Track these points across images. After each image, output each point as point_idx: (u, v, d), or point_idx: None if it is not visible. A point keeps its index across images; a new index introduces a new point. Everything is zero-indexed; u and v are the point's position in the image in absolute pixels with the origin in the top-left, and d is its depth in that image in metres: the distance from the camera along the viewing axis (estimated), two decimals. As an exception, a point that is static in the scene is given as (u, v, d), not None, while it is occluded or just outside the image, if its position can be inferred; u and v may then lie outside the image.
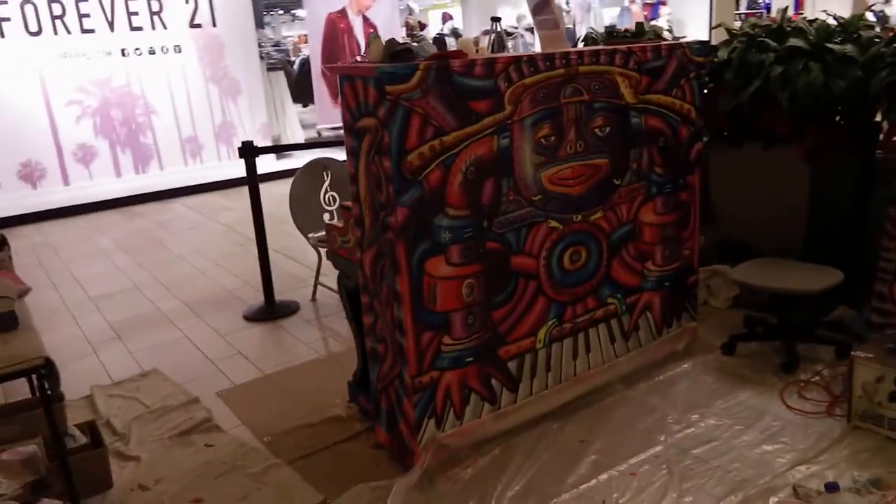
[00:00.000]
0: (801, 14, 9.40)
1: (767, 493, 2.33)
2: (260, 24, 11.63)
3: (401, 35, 10.41)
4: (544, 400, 2.84)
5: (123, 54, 8.25)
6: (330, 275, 3.74)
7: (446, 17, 13.03)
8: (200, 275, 5.26)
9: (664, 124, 2.96)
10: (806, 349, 3.15)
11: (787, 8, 3.96)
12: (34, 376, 2.16)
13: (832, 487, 2.12)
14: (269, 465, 2.76)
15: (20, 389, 3.23)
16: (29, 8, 7.76)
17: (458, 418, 2.60)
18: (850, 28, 3.54)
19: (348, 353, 3.45)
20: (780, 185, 3.65)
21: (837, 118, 3.53)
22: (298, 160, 7.27)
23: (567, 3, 12.46)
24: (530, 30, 11.28)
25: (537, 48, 2.94)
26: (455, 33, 11.53)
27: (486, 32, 6.88)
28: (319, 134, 10.49)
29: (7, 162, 7.68)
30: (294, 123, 10.45)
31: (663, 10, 11.47)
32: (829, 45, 3.40)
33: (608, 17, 12.28)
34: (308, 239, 4.18)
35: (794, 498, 2.27)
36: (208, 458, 2.85)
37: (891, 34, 3.40)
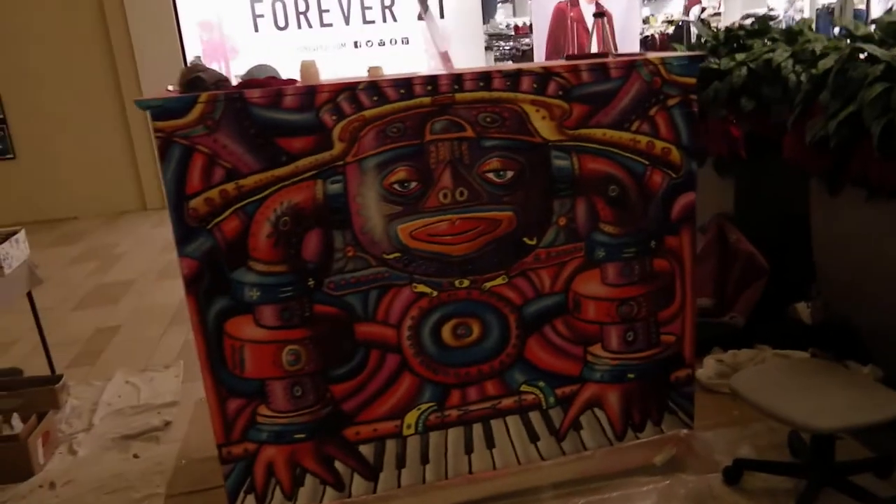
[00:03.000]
0: None
1: None
2: (491, 13, 11.45)
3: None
4: (421, 497, 2.33)
5: (356, 46, 8.75)
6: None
7: (693, 2, 11.53)
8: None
9: (617, 168, 2.18)
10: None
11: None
12: None
13: None
14: (149, 493, 2.70)
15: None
16: (279, 5, 8.62)
17: (289, 499, 2.25)
18: None
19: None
20: (886, 248, 2.51)
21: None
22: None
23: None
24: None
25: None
26: (703, 22, 10.11)
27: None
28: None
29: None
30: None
31: None
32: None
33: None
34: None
35: None
36: (120, 471, 2.89)
37: None
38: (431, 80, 2.01)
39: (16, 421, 2.97)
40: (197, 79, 1.98)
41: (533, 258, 2.20)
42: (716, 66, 3.22)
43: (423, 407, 2.26)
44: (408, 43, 8.67)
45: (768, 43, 3.22)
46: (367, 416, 2.23)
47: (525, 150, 2.11)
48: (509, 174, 2.12)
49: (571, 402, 2.36)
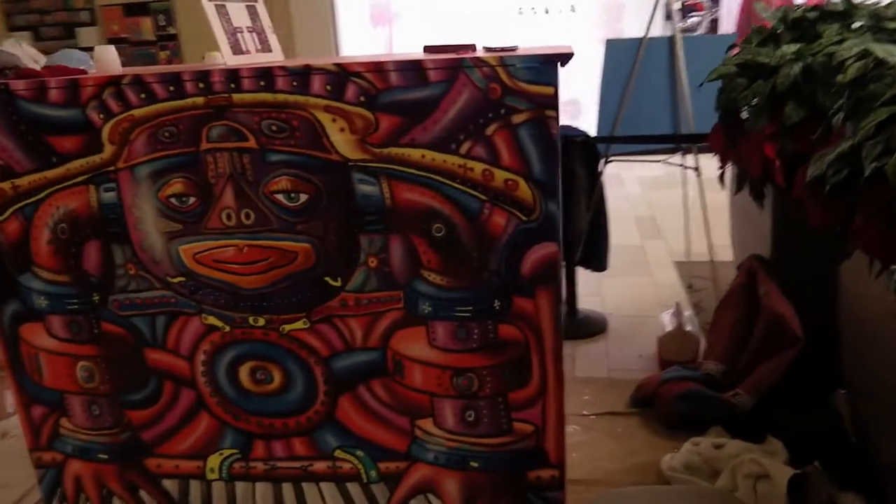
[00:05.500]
0: None
1: None
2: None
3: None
4: (232, 547, 2.06)
5: (520, 13, 8.29)
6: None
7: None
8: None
9: (442, 202, 1.65)
10: None
11: None
12: None
13: None
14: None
15: None
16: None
17: (99, 517, 2.12)
18: None
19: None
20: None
21: None
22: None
23: None
24: None
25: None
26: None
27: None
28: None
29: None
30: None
31: None
32: None
33: None
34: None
35: None
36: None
37: None
38: (203, 77, 1.65)
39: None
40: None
41: (339, 303, 1.77)
42: (765, 61, 2.39)
43: (226, 453, 1.97)
44: (574, 11, 7.96)
45: (845, 32, 2.30)
46: (168, 451, 2.00)
47: (320, 170, 1.68)
48: (302, 197, 1.70)
49: (398, 481, 1.91)
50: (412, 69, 1.57)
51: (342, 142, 1.64)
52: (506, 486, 1.86)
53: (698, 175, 3.45)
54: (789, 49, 2.29)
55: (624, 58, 3.25)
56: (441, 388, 1.79)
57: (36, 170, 1.80)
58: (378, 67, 1.58)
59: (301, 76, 1.62)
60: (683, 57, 3.27)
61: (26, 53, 1.90)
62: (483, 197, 1.63)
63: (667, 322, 3.16)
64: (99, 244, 1.83)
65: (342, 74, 1.60)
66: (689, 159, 3.53)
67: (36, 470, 2.12)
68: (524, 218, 1.63)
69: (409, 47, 8.28)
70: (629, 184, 6.37)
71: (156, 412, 1.96)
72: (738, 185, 2.61)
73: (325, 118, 1.63)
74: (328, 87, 1.61)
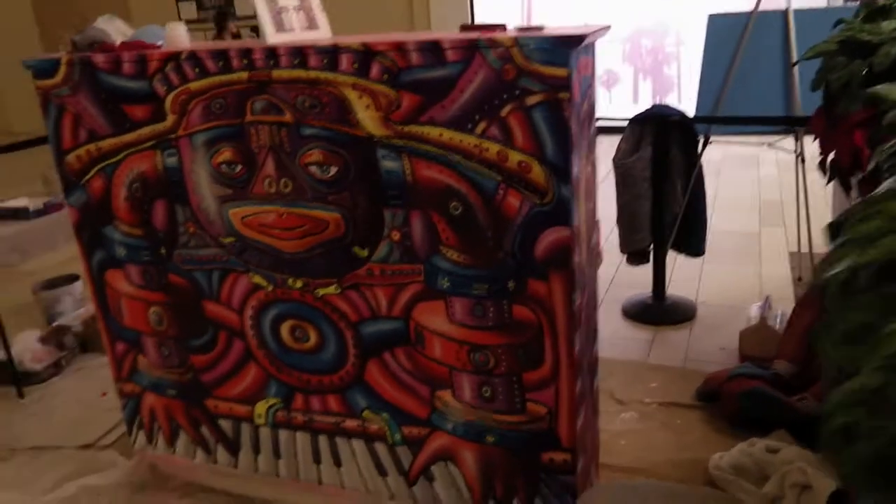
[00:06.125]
0: None
1: None
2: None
3: None
4: (275, 488, 2.24)
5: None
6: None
7: None
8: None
9: (459, 180, 1.67)
10: None
11: None
12: None
13: None
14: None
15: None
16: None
17: (170, 446, 2.38)
18: None
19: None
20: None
21: None
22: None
23: None
24: None
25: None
26: None
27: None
28: None
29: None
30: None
31: None
32: None
33: None
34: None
35: None
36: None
37: None
38: (247, 53, 1.77)
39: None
40: (73, 40, 2.06)
41: (366, 272, 1.85)
42: (867, 38, 2.16)
43: (271, 401, 2.13)
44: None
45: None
46: (223, 394, 2.20)
47: (348, 145, 1.75)
48: (333, 170, 1.79)
49: (420, 446, 1.98)
50: (430, 49, 1.60)
51: (368, 118, 1.70)
52: (520, 466, 1.88)
53: (801, 161, 3.18)
54: (890, 25, 2.06)
55: (729, 34, 3.03)
56: (459, 363, 1.83)
57: (114, 134, 2.02)
58: (399, 46, 1.62)
59: (330, 54, 1.69)
60: (795, 32, 3.00)
61: (116, 29, 2.11)
62: (498, 177, 1.63)
63: (753, 315, 2.98)
64: (165, 203, 2.03)
65: (367, 53, 1.65)
66: (800, 143, 3.26)
67: (119, 399, 2.41)
68: (538, 201, 1.62)
69: (548, 13, 8.14)
70: (765, 166, 5.95)
71: (213, 358, 2.16)
72: (831, 174, 2.40)
73: (352, 95, 1.70)
74: (355, 65, 1.67)
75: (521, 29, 1.64)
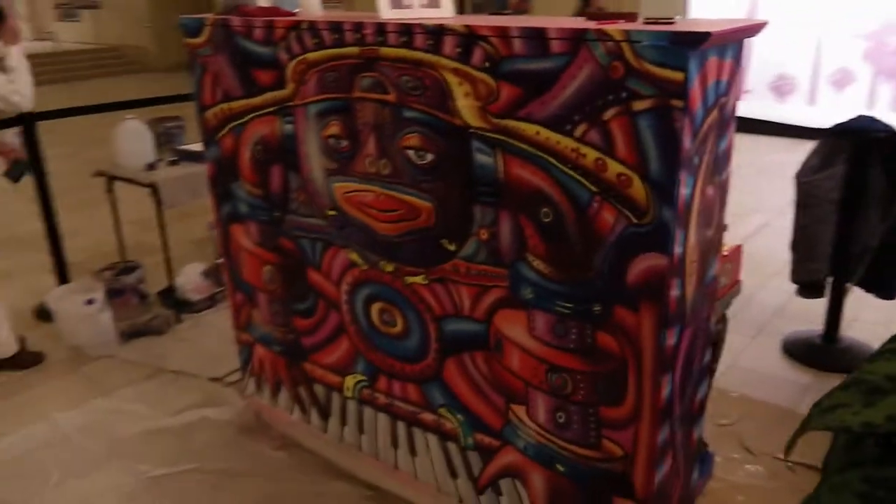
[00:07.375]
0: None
1: None
2: None
3: None
4: (356, 461, 2.26)
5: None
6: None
7: None
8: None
9: (551, 185, 1.49)
10: None
11: None
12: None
13: None
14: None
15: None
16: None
17: (273, 398, 2.48)
18: None
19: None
20: None
21: None
22: None
23: None
24: None
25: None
26: None
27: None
28: None
29: (764, 72, 7.69)
30: None
31: None
32: None
33: None
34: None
35: None
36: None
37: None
38: (359, 28, 1.71)
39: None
40: (223, 1, 2.12)
41: (452, 267, 1.75)
42: None
43: (358, 377, 2.13)
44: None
45: None
46: (319, 360, 2.23)
47: (444, 133, 1.63)
48: (429, 157, 1.69)
49: (491, 456, 1.87)
50: (535, 37, 1.42)
51: (466, 107, 1.58)
52: (588, 501, 1.71)
53: None
54: None
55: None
56: (536, 380, 1.68)
57: (243, 96, 2.07)
58: (503, 32, 1.46)
59: (434, 35, 1.57)
60: None
61: (257, -7, 2.15)
62: (594, 188, 1.44)
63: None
64: (281, 168, 2.06)
65: (470, 36, 1.52)
66: None
67: (237, 345, 2.54)
68: (635, 220, 1.41)
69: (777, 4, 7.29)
70: None
71: (312, 324, 2.19)
72: None
73: (453, 80, 1.58)
74: (458, 49, 1.54)
75: (648, 20, 1.41)
